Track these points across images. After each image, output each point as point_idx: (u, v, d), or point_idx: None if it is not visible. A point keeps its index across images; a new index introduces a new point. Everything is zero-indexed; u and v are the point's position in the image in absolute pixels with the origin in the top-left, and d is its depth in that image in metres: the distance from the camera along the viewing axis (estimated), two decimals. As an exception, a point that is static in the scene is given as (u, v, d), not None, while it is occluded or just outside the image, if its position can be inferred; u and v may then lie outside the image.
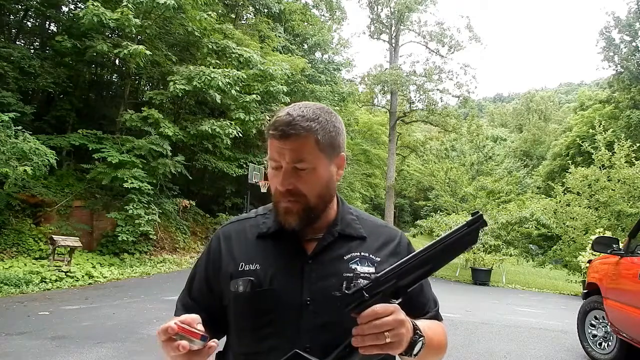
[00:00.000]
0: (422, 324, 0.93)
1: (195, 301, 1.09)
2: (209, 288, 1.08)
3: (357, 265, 1.01)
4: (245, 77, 13.87)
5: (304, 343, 0.94)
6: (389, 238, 1.10)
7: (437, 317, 1.09)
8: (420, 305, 1.07)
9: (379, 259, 1.04)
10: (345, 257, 1.02)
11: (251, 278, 0.99)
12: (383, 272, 0.88)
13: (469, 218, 0.91)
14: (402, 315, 0.85)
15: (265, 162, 17.41)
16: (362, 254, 1.04)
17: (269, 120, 1.13)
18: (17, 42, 14.40)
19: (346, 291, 0.86)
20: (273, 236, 1.05)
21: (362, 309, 0.84)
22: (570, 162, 18.88)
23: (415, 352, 0.87)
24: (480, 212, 0.92)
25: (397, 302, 0.87)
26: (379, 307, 0.83)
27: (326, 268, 1.00)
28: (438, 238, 0.90)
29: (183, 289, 1.14)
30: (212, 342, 0.89)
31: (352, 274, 0.97)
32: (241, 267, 1.02)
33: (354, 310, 0.85)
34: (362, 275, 0.96)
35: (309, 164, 0.97)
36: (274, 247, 1.04)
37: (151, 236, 12.54)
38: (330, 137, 1.00)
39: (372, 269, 1.00)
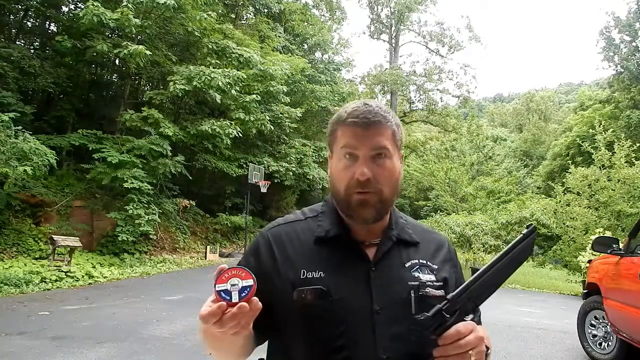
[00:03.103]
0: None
1: None
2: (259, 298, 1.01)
3: (419, 273, 0.99)
4: (245, 77, 13.87)
5: (380, 354, 0.91)
6: (439, 244, 1.09)
7: (480, 322, 1.05)
8: None
9: (436, 266, 1.02)
10: (406, 265, 1.00)
11: (320, 287, 0.93)
12: (457, 290, 0.87)
13: (524, 230, 0.95)
14: (481, 332, 0.86)
15: (265, 162, 17.48)
16: (421, 261, 1.02)
17: (329, 116, 1.15)
18: (17, 42, 14.41)
19: (426, 314, 0.84)
20: (332, 241, 0.99)
21: (443, 330, 0.83)
22: (570, 162, 18.88)
23: None
24: (533, 225, 0.97)
25: (470, 318, 0.86)
26: (461, 327, 0.83)
27: (390, 275, 0.97)
28: (501, 252, 0.93)
29: None
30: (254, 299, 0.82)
31: (417, 283, 0.96)
32: (303, 275, 0.95)
33: (434, 333, 0.84)
34: (427, 284, 0.96)
35: (387, 153, 0.96)
36: (335, 252, 0.98)
37: (151, 236, 12.54)
38: (400, 132, 1.00)
39: (432, 277, 0.99)
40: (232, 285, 0.78)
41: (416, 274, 0.98)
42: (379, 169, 0.94)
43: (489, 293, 0.90)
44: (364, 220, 0.96)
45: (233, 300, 0.77)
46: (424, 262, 1.02)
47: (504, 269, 0.91)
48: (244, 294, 0.78)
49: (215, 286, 0.77)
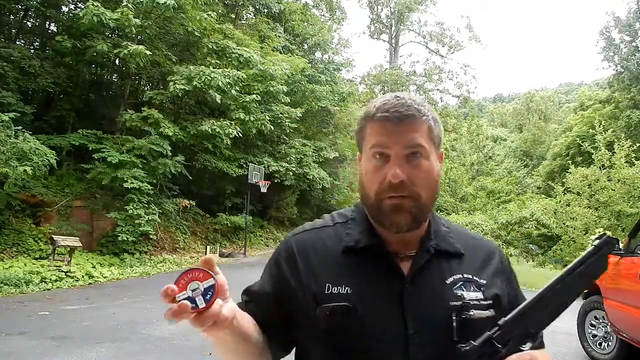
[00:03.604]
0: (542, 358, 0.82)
1: (256, 317, 0.91)
2: (278, 309, 0.90)
3: (463, 290, 0.86)
4: (245, 77, 13.88)
5: None
6: (488, 254, 0.95)
7: (542, 344, 0.91)
8: None
9: (484, 282, 0.88)
10: (447, 281, 0.87)
11: (345, 304, 0.82)
12: (512, 314, 0.74)
13: (596, 241, 0.80)
14: None
15: (265, 162, 17.48)
16: (465, 275, 0.88)
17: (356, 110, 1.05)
18: (17, 42, 14.41)
19: (473, 343, 0.73)
20: (362, 252, 0.88)
21: None
22: (570, 162, 18.90)
23: None
24: (606, 233, 0.82)
25: (528, 347, 0.74)
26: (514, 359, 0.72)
27: (428, 293, 0.85)
28: (567, 267, 0.79)
29: (242, 302, 0.96)
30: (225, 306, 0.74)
31: (460, 303, 0.83)
32: (328, 290, 0.85)
33: None
34: (472, 303, 0.83)
35: (423, 152, 0.85)
36: (364, 265, 0.87)
37: (151, 236, 12.54)
38: (438, 127, 0.89)
39: (479, 295, 0.86)
40: (193, 290, 0.71)
41: (459, 292, 0.85)
42: (413, 170, 0.84)
43: (552, 317, 0.76)
44: (397, 228, 0.84)
45: (200, 307, 0.70)
46: (469, 276, 0.88)
47: (571, 287, 0.77)
48: (208, 296, 0.71)
49: (175, 297, 0.70)
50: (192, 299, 0.70)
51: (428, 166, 0.85)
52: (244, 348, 0.86)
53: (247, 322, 0.86)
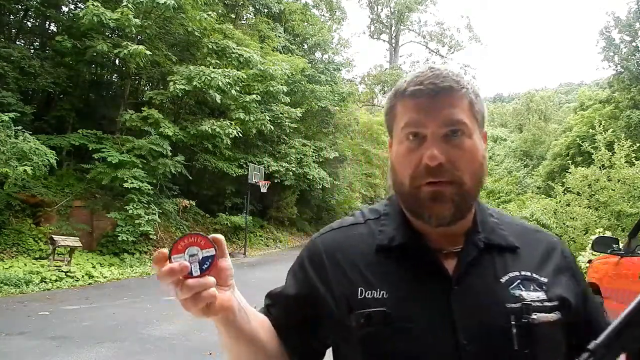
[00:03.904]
0: None
1: (276, 320, 0.83)
2: (301, 314, 0.81)
3: (521, 290, 0.73)
4: (245, 77, 13.88)
5: None
6: (549, 248, 0.82)
7: None
8: None
9: (545, 279, 0.76)
10: (502, 279, 0.74)
11: (382, 309, 0.72)
12: (606, 334, 0.61)
13: None
14: None
15: (265, 162, 17.48)
16: (523, 273, 0.75)
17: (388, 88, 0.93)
18: (17, 42, 14.41)
19: None
20: (398, 250, 0.77)
21: None
22: (570, 162, 18.88)
23: None
24: None
25: None
26: None
27: (479, 295, 0.73)
28: None
29: (264, 306, 0.87)
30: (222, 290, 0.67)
31: (519, 305, 0.71)
32: (361, 294, 0.74)
33: None
34: (533, 306, 0.71)
35: (465, 130, 0.73)
36: (402, 265, 0.76)
37: (151, 236, 12.54)
38: (480, 103, 0.78)
39: (541, 295, 0.73)
40: (191, 255, 0.65)
41: (517, 292, 0.72)
42: (454, 150, 0.72)
43: None
44: (438, 220, 0.73)
45: (194, 274, 0.64)
46: (528, 274, 0.75)
47: None
48: (205, 266, 0.65)
49: (170, 257, 0.64)
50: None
51: (471, 146, 0.73)
52: (248, 351, 0.77)
53: (259, 325, 0.77)
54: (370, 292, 0.74)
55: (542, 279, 0.76)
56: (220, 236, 0.67)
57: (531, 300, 0.72)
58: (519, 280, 0.74)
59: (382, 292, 0.74)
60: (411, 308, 0.72)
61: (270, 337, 0.79)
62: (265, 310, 0.85)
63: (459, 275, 0.74)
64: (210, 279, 0.64)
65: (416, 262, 0.76)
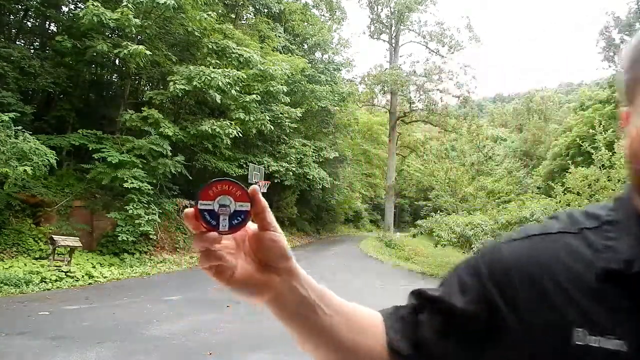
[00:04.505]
0: None
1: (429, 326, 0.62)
2: (464, 334, 0.60)
3: None
4: (245, 77, 13.88)
5: None
6: None
7: None
8: None
9: None
10: None
11: None
12: None
13: None
14: None
15: (265, 162, 17.46)
16: None
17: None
18: (17, 42, 14.41)
19: None
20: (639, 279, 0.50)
21: None
22: (570, 162, 18.87)
23: None
24: None
25: None
26: None
27: None
28: None
29: (408, 304, 0.66)
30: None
31: None
32: (581, 339, 0.51)
33: None
34: None
35: None
36: None
37: (151, 236, 12.54)
38: None
39: None
40: (222, 205, 0.55)
41: None
42: None
43: None
44: None
45: (220, 229, 0.54)
46: None
47: None
48: (235, 221, 0.55)
49: (198, 202, 0.55)
50: (214, 215, 0.55)
51: None
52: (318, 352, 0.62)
53: (353, 324, 0.62)
54: (595, 337, 0.50)
55: None
56: (258, 190, 0.56)
57: None
58: None
59: (617, 341, 0.49)
60: None
61: (370, 341, 0.62)
62: (409, 311, 0.64)
63: None
64: (236, 240, 0.55)
65: None
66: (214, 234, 0.53)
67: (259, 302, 0.58)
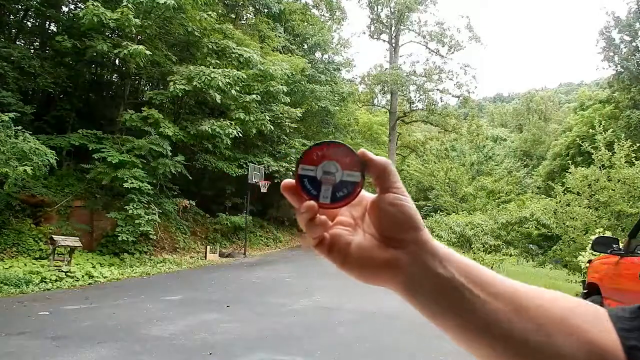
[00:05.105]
0: None
1: None
2: None
3: None
4: (245, 77, 13.88)
5: None
6: None
7: None
8: None
9: None
10: None
11: None
12: None
13: None
14: None
15: (265, 162, 17.45)
16: None
17: None
18: (17, 42, 14.41)
19: None
20: None
21: None
22: (570, 162, 18.87)
23: None
24: None
25: None
26: None
27: None
28: None
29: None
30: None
31: None
32: None
33: None
34: None
35: None
36: None
37: (151, 236, 12.54)
38: None
39: None
40: (325, 172, 0.45)
41: None
42: None
43: None
44: None
45: (321, 200, 0.45)
46: None
47: None
48: (340, 194, 0.45)
49: (298, 167, 0.46)
50: (315, 183, 0.45)
51: None
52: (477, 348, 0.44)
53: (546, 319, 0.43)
54: None
55: None
56: (378, 160, 0.45)
57: None
58: None
59: None
60: None
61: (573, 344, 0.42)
62: None
63: None
64: (343, 218, 0.46)
65: None
66: (312, 202, 0.44)
67: (389, 286, 0.45)
